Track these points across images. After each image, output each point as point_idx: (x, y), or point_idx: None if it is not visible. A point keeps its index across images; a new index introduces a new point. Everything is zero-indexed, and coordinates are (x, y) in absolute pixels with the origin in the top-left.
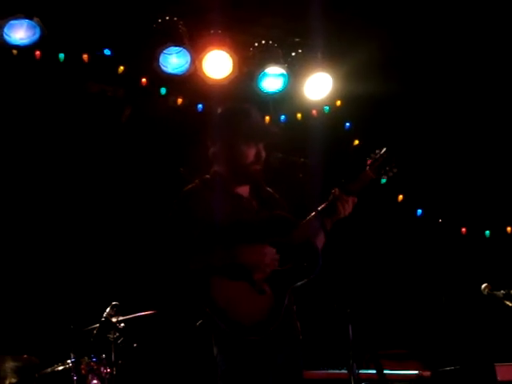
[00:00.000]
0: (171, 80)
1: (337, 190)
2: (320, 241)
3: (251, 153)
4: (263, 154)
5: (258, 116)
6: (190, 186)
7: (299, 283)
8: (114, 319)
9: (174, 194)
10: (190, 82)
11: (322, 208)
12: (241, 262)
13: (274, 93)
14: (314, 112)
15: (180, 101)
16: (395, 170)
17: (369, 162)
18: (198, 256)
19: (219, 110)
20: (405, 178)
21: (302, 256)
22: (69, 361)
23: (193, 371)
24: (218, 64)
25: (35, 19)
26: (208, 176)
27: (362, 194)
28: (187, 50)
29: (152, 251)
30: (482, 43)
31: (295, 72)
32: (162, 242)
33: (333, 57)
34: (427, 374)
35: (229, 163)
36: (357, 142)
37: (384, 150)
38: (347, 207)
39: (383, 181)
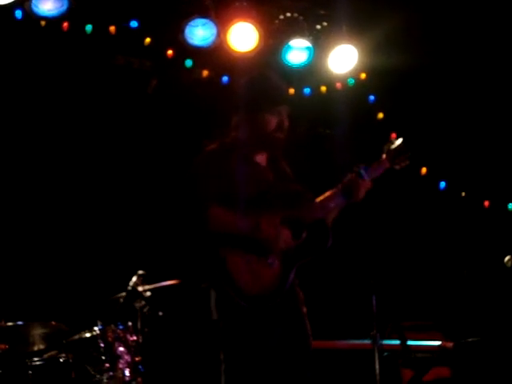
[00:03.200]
0: (197, 52)
1: (352, 174)
2: (330, 218)
3: (273, 120)
4: (286, 122)
5: (280, 81)
6: (209, 148)
7: (307, 259)
8: (140, 288)
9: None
10: (215, 55)
11: (339, 188)
12: (256, 236)
13: (299, 65)
14: (339, 85)
15: (205, 73)
16: (407, 162)
17: (386, 150)
18: (221, 220)
19: (243, 81)
20: (428, 150)
21: (311, 233)
22: (96, 328)
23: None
24: (243, 36)
25: None
26: (228, 140)
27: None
28: (213, 22)
29: (174, 211)
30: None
31: (320, 45)
32: (182, 200)
33: (358, 29)
34: (449, 345)
35: (250, 131)
36: (381, 115)
37: (400, 140)
38: (361, 191)
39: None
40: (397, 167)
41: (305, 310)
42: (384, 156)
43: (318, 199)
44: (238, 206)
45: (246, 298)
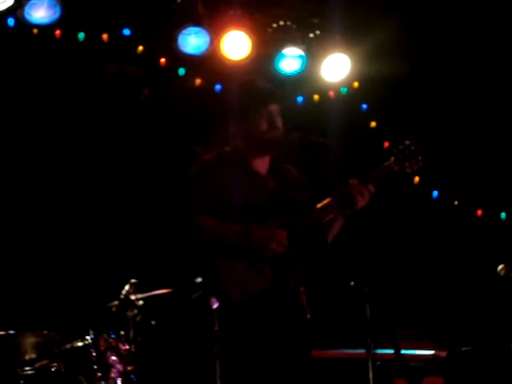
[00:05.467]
0: (190, 60)
1: (354, 179)
2: (335, 227)
3: (263, 120)
4: (277, 119)
5: (267, 83)
6: (207, 156)
7: (301, 268)
8: (132, 297)
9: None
10: (208, 63)
11: (337, 195)
12: (248, 241)
13: (292, 74)
14: (332, 93)
15: (198, 81)
16: (421, 164)
17: (394, 152)
18: (209, 229)
19: (233, 90)
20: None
21: (307, 241)
22: (88, 337)
23: (210, 349)
24: (236, 45)
25: None
26: (227, 149)
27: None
28: (206, 30)
29: (166, 219)
30: (502, 23)
31: (313, 53)
32: (173, 209)
33: (351, 38)
34: (443, 354)
35: (245, 137)
36: (374, 123)
37: (412, 141)
38: (363, 197)
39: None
40: (408, 170)
41: (308, 317)
42: (391, 160)
43: (316, 207)
44: (229, 216)
45: (233, 306)
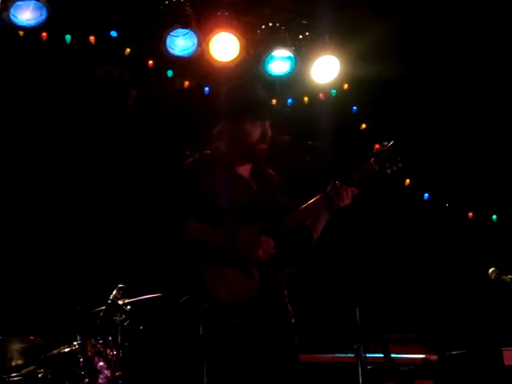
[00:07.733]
0: (178, 62)
1: (337, 180)
2: (319, 226)
3: (256, 131)
4: (269, 132)
5: (264, 92)
6: (189, 160)
7: (288, 270)
8: (120, 302)
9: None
10: (196, 65)
11: (322, 196)
12: (235, 246)
13: (281, 76)
14: (321, 95)
15: (187, 83)
16: (400, 165)
17: (375, 153)
18: (197, 234)
19: (225, 88)
20: (412, 162)
21: (294, 243)
22: (75, 343)
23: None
24: (224, 46)
25: (42, 0)
26: (209, 152)
27: (369, 181)
28: (194, 32)
29: (152, 225)
30: (491, 27)
31: (302, 55)
32: (159, 215)
33: (340, 40)
34: (434, 358)
35: (232, 141)
36: (364, 125)
37: (391, 143)
38: (346, 197)
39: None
40: (388, 171)
41: (293, 322)
42: (372, 160)
43: (301, 208)
44: (214, 219)
45: (222, 311)
